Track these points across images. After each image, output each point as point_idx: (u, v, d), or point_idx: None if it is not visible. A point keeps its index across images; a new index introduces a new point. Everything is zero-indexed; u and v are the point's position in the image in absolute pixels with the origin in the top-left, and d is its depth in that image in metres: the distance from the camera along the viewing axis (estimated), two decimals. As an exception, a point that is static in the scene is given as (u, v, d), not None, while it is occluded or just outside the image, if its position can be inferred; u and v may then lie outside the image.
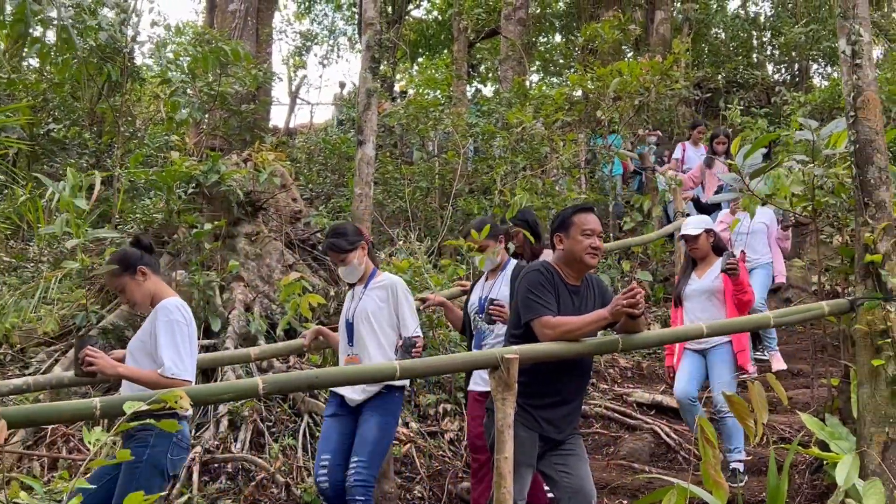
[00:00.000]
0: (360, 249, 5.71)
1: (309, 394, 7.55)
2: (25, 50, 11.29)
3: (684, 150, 12.90)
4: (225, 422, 7.24)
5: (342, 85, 22.44)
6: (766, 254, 9.12)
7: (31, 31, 7.43)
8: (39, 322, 8.16)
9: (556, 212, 11.43)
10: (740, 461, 6.67)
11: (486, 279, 6.25)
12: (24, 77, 12.13)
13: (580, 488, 4.73)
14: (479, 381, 5.97)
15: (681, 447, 7.74)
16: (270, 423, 7.39)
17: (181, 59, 12.78)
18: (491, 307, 5.69)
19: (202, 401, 4.22)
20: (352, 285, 5.88)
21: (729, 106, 15.52)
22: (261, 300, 8.67)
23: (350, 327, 5.68)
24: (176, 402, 3.29)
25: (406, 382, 5.67)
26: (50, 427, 6.98)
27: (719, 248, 7.03)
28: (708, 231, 7.03)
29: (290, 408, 7.58)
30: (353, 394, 5.52)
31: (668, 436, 7.89)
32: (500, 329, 5.79)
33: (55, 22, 8.18)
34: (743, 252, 8.86)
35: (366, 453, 5.33)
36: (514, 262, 6.17)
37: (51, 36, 9.52)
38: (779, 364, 8.83)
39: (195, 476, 6.57)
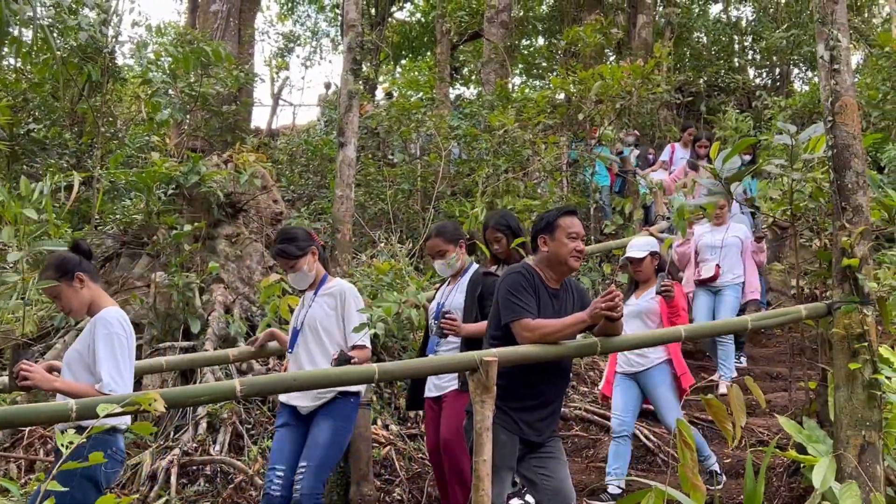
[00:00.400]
0: (311, 255, 5.54)
1: (288, 396, 7.53)
2: (5, 49, 11.23)
3: (673, 152, 12.89)
4: (203, 424, 7.22)
5: (328, 85, 22.28)
6: (738, 272, 8.94)
7: (10, 30, 7.38)
8: (17, 323, 8.11)
9: (537, 214, 11.48)
10: (713, 465, 6.69)
11: (448, 284, 6.16)
12: (4, 76, 12.06)
13: (559, 490, 4.73)
14: (432, 388, 5.92)
15: (659, 450, 7.76)
16: (249, 426, 7.37)
17: (162, 59, 12.75)
18: (443, 321, 5.57)
19: (180, 403, 4.19)
20: (302, 291, 5.72)
21: (725, 109, 15.57)
22: (241, 302, 8.65)
23: (296, 334, 5.52)
24: (150, 405, 3.27)
25: (361, 389, 5.49)
26: (27, 429, 6.95)
27: (660, 269, 6.98)
28: (653, 254, 6.99)
29: (269, 410, 7.56)
30: (305, 401, 5.34)
31: (647, 438, 7.91)
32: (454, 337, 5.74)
33: (34, 22, 8.14)
34: (717, 266, 8.80)
35: (315, 458, 5.16)
36: (475, 267, 6.07)
37: (30, 35, 9.47)
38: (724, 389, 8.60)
39: (173, 478, 6.55)
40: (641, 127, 16.64)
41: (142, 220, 9.08)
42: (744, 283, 8.99)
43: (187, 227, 8.36)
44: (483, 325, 5.50)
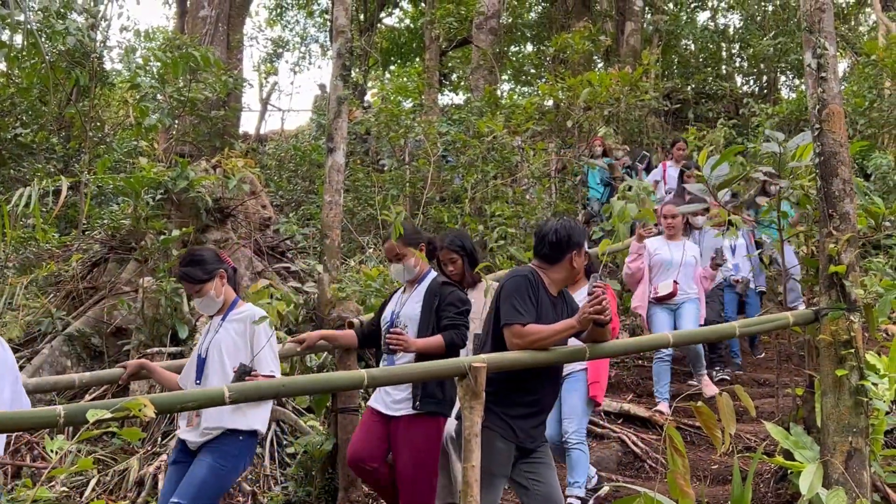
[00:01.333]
0: (219, 279, 5.16)
1: (276, 402, 7.52)
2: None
3: (665, 170, 12.63)
4: (191, 430, 7.19)
5: (322, 87, 22.20)
6: (695, 288, 8.58)
7: (-2, 35, 7.38)
8: (4, 328, 8.08)
9: (525, 220, 11.51)
10: (578, 497, 6.40)
11: (404, 291, 5.82)
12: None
13: (550, 496, 4.75)
14: (380, 402, 5.54)
15: (648, 456, 7.76)
16: (237, 431, 7.34)
17: (151, 64, 12.75)
18: (389, 337, 5.28)
19: (168, 408, 4.17)
20: (211, 316, 5.33)
21: (714, 117, 15.56)
22: (229, 307, 8.62)
23: (202, 362, 5.10)
24: (140, 411, 3.27)
25: (260, 428, 5.04)
26: (14, 434, 6.92)
27: (590, 270, 6.79)
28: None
29: (257, 415, 7.53)
30: (193, 436, 4.95)
31: (635, 444, 7.91)
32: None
33: (23, 26, 8.12)
34: (675, 283, 8.38)
35: (187, 496, 4.74)
36: (433, 274, 5.77)
37: (18, 40, 9.46)
38: (710, 389, 8.44)
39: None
40: (630, 134, 16.67)
41: (130, 225, 9.06)
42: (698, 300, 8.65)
43: (175, 233, 8.35)
44: (436, 339, 5.34)
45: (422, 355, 5.29)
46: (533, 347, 4.56)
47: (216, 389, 4.09)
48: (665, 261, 8.53)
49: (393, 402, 5.46)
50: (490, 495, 4.47)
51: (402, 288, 5.88)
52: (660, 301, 8.50)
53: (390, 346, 5.27)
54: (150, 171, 8.74)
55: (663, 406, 8.40)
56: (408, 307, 5.64)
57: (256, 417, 4.95)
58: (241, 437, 4.92)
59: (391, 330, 5.32)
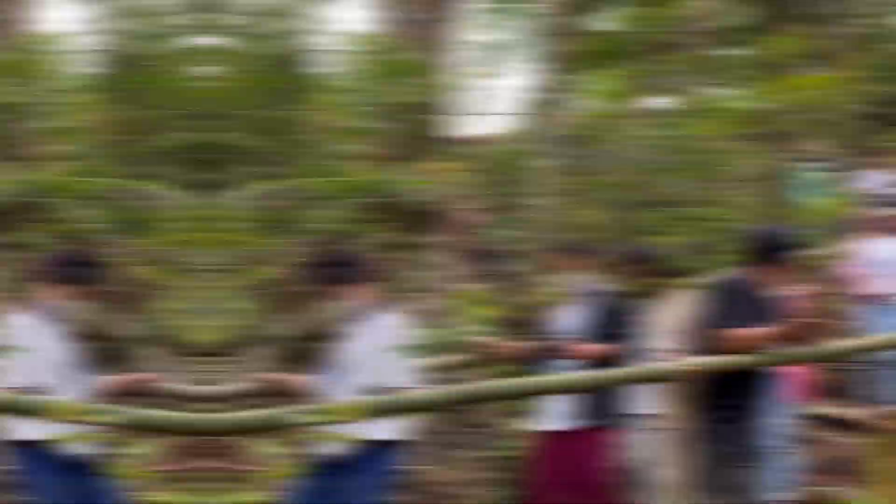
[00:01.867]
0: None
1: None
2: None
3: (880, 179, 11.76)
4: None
5: (531, 91, 22.28)
6: None
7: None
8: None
9: (734, 225, 11.34)
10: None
11: (571, 305, 5.66)
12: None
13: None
14: (548, 419, 5.34)
15: (859, 461, 7.42)
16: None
17: (359, 67, 13.23)
18: (556, 343, 5.24)
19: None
20: None
21: None
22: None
23: None
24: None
25: None
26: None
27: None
28: None
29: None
30: None
31: (845, 449, 7.63)
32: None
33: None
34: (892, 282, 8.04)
35: None
36: (602, 286, 5.66)
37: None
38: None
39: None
40: (838, 138, 16.14)
41: (338, 229, 9.33)
42: None
43: (384, 237, 8.55)
44: (601, 348, 5.23)
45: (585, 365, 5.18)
46: (741, 352, 4.56)
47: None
48: (882, 259, 8.21)
49: (565, 415, 5.31)
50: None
51: (570, 301, 5.72)
52: (874, 301, 8.17)
53: (558, 353, 5.24)
54: (359, 175, 9.00)
55: (877, 409, 8.10)
56: (574, 320, 5.52)
57: None
58: None
59: (557, 337, 5.31)
